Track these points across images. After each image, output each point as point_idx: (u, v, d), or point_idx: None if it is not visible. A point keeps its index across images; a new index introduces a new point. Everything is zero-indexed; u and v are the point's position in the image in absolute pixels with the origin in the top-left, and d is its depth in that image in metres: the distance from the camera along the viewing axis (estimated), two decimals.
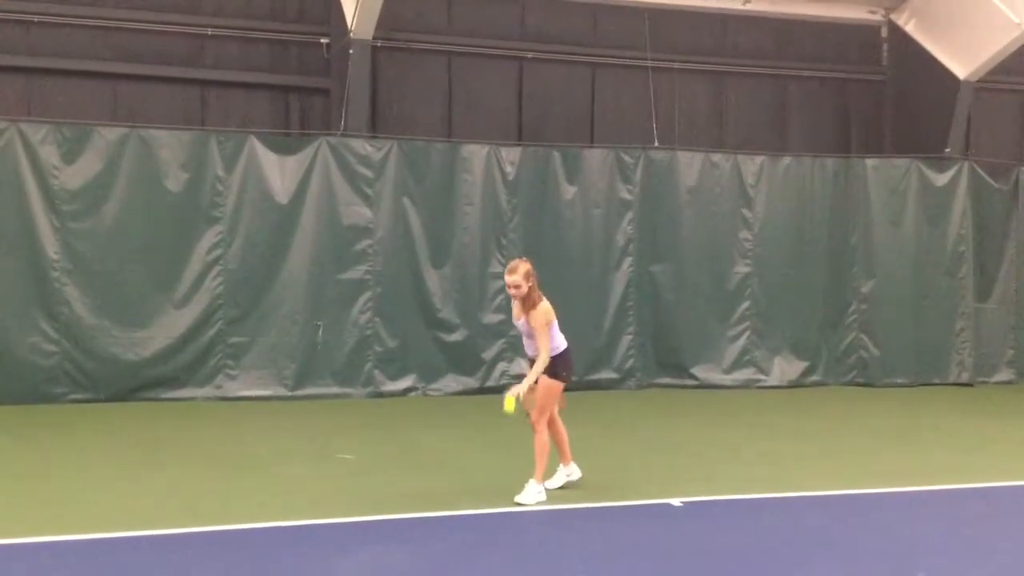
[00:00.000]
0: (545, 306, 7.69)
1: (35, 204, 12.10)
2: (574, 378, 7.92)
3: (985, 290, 15.72)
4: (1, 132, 12.02)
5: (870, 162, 15.36)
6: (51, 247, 12.15)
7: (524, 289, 7.63)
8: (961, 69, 15.80)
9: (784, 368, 14.85)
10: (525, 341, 7.95)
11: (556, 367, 7.73)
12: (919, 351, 15.26)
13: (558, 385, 7.76)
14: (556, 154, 14.11)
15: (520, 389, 7.57)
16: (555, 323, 7.77)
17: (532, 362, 7.86)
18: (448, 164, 13.62)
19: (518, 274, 7.63)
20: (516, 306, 7.83)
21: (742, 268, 14.72)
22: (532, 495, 7.60)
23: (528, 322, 7.68)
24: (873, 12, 17.23)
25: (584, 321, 13.47)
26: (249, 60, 14.82)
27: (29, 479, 8.39)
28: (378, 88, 15.02)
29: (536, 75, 16.02)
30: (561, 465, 8.16)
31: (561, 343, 7.83)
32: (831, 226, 15.08)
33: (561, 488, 8.05)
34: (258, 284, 12.86)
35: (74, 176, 12.25)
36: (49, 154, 12.15)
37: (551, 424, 7.90)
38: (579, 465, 8.23)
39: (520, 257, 8.00)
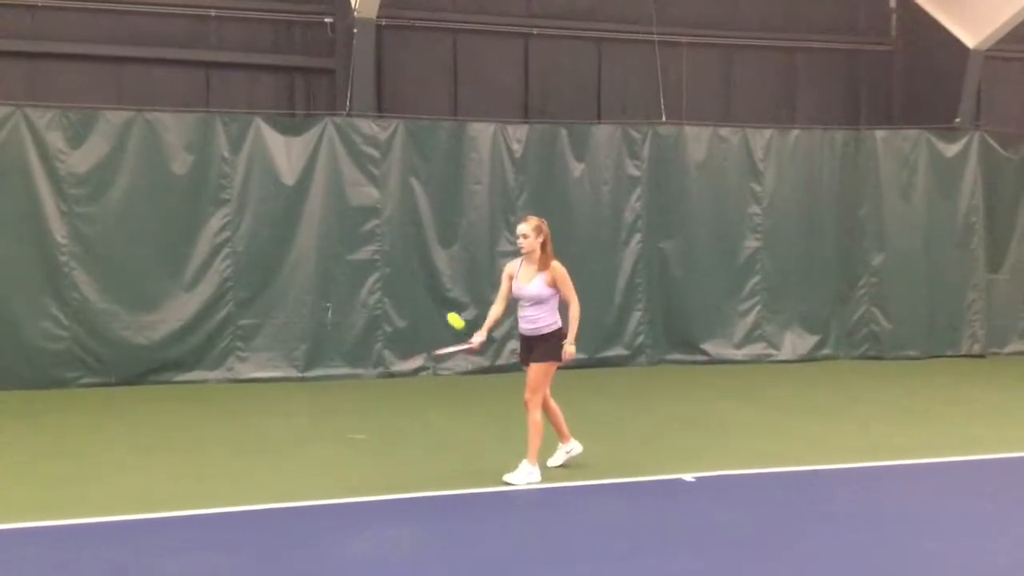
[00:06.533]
0: (561, 265, 7.58)
1: (42, 189, 12.09)
2: (583, 356, 7.81)
3: (996, 261, 15.62)
4: (7, 117, 12.00)
5: (880, 133, 15.24)
6: (59, 231, 12.14)
7: (533, 242, 7.49)
8: (971, 38, 15.64)
9: (795, 342, 14.80)
10: (525, 311, 7.61)
11: (553, 346, 7.58)
12: (931, 323, 15.19)
13: (552, 365, 7.62)
14: (563, 131, 14.03)
15: (570, 349, 7.55)
16: (559, 298, 7.65)
17: (525, 339, 7.69)
18: (455, 143, 13.55)
19: (529, 225, 7.53)
20: (525, 270, 7.60)
21: (752, 242, 14.66)
22: (523, 476, 7.50)
23: (548, 278, 7.49)
24: None
25: (594, 298, 13.36)
26: (253, 41, 14.76)
27: (42, 463, 8.41)
28: (383, 67, 14.95)
29: (542, 51, 15.92)
30: (560, 444, 8.09)
31: (560, 320, 7.69)
32: (841, 199, 14.99)
33: (573, 465, 8.03)
34: (266, 266, 12.85)
35: (80, 160, 12.23)
36: (55, 138, 12.13)
37: (544, 405, 7.77)
38: (591, 441, 8.22)
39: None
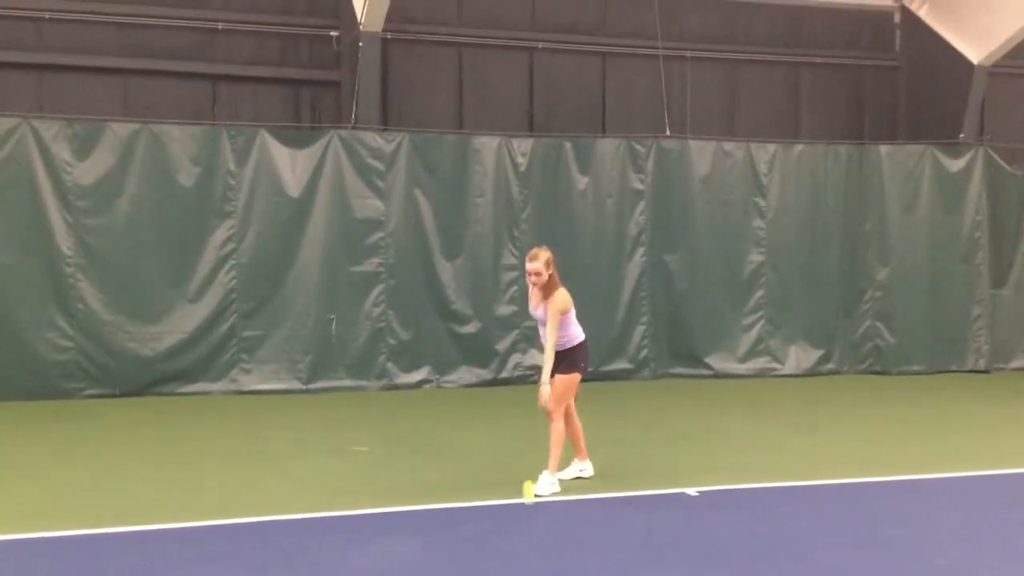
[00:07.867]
0: (563, 295, 7.69)
1: (48, 200, 12.13)
2: (589, 369, 7.96)
3: (1001, 276, 15.61)
4: (14, 129, 12.04)
5: (884, 149, 15.25)
6: (65, 243, 12.18)
7: (545, 277, 7.66)
8: (975, 54, 15.69)
9: (799, 356, 14.79)
10: (541, 330, 7.90)
11: (575, 358, 7.77)
12: (935, 338, 15.16)
13: (575, 376, 7.79)
14: (568, 144, 14.06)
15: (543, 390, 7.55)
16: (572, 313, 7.78)
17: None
18: (460, 156, 13.58)
19: (539, 262, 7.66)
20: (535, 295, 7.80)
21: (756, 256, 14.66)
22: (546, 486, 7.58)
23: (546, 309, 7.67)
24: None
25: (597, 311, 13.43)
26: (259, 54, 14.84)
27: (46, 474, 8.42)
28: (389, 80, 15.01)
29: (547, 65, 15.98)
30: (576, 459, 8.15)
31: (579, 334, 7.84)
32: (845, 213, 14.99)
33: (574, 479, 8.05)
34: (271, 278, 12.88)
35: (86, 172, 12.27)
36: (61, 150, 12.17)
37: (567, 418, 7.90)
38: (594, 455, 8.22)
39: (539, 246, 7.93)
